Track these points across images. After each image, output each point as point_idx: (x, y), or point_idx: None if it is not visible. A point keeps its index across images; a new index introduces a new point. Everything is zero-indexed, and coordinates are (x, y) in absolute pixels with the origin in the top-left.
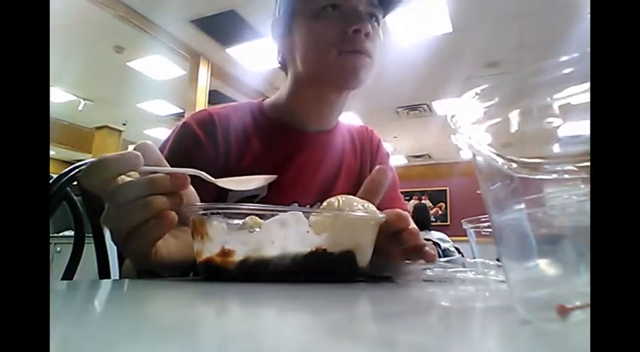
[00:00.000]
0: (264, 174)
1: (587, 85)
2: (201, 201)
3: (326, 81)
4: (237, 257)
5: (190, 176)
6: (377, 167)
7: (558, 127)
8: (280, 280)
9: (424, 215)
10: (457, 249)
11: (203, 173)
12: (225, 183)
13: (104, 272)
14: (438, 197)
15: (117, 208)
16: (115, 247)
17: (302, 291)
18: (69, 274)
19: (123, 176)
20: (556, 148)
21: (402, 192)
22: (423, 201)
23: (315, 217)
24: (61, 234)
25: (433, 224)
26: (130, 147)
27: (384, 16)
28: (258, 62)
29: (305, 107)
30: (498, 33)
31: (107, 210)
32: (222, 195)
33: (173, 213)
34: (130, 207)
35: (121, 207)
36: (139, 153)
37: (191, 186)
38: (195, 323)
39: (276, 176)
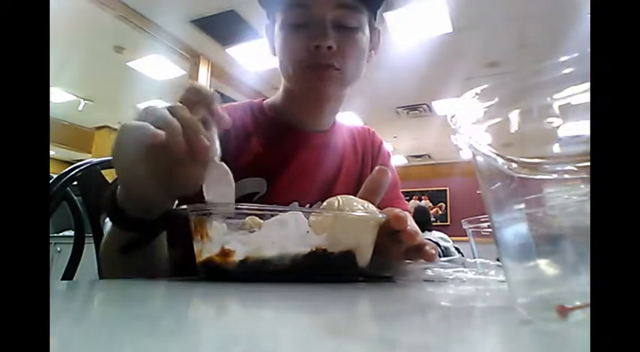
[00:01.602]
0: (263, 172)
1: (587, 85)
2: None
3: (300, 92)
4: (237, 257)
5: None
6: (377, 167)
7: (558, 127)
8: (280, 280)
9: (425, 217)
10: (457, 249)
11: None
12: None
13: None
14: (438, 197)
15: (152, 113)
16: None
17: (302, 291)
18: (69, 274)
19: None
20: (556, 148)
21: (402, 192)
22: (423, 202)
23: (315, 217)
24: (61, 234)
25: (433, 224)
26: None
27: (373, 12)
28: (258, 62)
29: (296, 107)
30: (498, 33)
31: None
32: None
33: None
34: (160, 117)
35: (155, 115)
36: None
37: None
38: (195, 323)
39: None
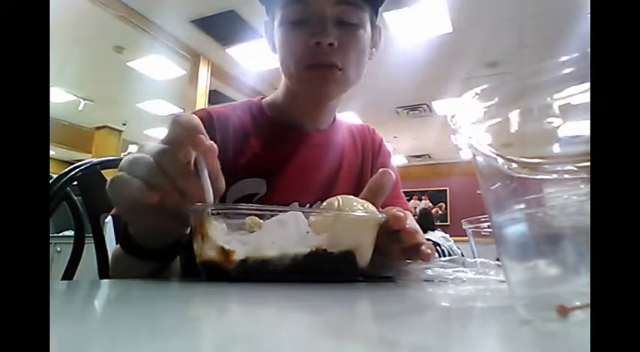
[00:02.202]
0: (263, 173)
1: (587, 85)
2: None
3: (301, 92)
4: (237, 257)
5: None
6: (381, 170)
7: (558, 127)
8: (280, 280)
9: (429, 220)
10: (457, 248)
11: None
12: None
13: (104, 272)
14: (438, 197)
15: (140, 166)
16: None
17: (302, 291)
18: (69, 274)
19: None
20: (556, 148)
21: (402, 192)
22: (423, 202)
23: (315, 217)
24: (61, 234)
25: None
26: (131, 147)
27: (374, 9)
28: (258, 62)
29: (297, 106)
30: (498, 33)
31: (152, 148)
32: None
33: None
34: (148, 171)
35: (143, 168)
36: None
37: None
38: (195, 323)
39: None
